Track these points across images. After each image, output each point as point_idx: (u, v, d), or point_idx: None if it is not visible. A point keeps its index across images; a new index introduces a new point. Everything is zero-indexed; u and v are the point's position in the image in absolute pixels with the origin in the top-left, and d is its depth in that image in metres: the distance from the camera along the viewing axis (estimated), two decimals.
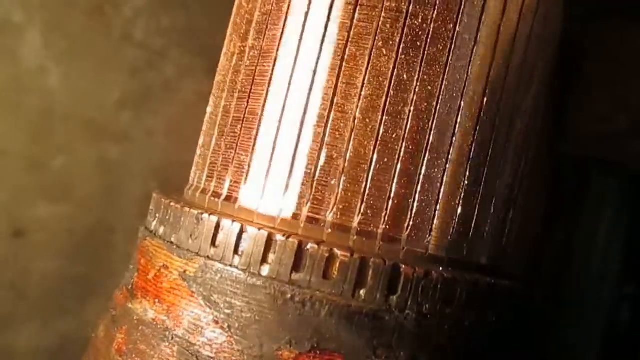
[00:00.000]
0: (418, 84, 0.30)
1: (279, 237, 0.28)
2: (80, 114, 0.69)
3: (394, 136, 0.30)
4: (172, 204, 0.32)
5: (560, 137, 0.55)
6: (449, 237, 0.31)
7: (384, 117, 0.30)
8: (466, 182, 0.31)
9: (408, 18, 0.30)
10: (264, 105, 0.32)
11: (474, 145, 0.31)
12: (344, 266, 0.28)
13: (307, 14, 0.31)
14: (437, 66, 0.30)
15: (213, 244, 0.30)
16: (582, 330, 0.63)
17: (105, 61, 0.71)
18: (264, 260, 0.28)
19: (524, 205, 0.36)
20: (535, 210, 0.54)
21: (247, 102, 0.33)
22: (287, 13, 0.32)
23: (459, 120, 0.30)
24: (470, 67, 0.31)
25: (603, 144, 0.54)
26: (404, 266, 0.28)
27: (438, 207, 0.30)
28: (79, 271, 0.71)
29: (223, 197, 0.32)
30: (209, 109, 0.37)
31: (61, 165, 0.69)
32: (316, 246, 0.28)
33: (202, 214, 0.30)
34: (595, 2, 0.50)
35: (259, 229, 0.29)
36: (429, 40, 0.30)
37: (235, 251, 0.29)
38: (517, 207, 0.35)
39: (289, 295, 0.27)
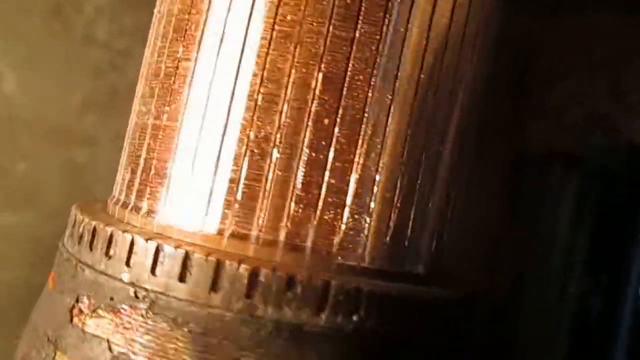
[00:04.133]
0: (345, 93, 0.28)
1: (196, 256, 0.26)
2: (43, 119, 0.67)
3: (321, 145, 0.28)
4: (86, 219, 0.30)
5: (519, 133, 0.54)
6: (382, 249, 0.29)
7: (309, 125, 0.28)
8: (399, 192, 0.29)
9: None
10: (183, 113, 0.30)
11: (405, 152, 0.29)
12: (267, 284, 0.26)
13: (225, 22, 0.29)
14: (365, 73, 0.28)
15: (127, 264, 0.28)
16: (549, 323, 0.62)
17: (66, 63, 0.69)
18: (181, 280, 0.26)
19: (467, 209, 0.35)
20: (489, 210, 0.52)
21: (166, 108, 0.31)
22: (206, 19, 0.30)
23: (389, 127, 0.29)
24: (399, 69, 0.29)
25: (560, 138, 0.53)
26: (333, 281, 0.26)
27: (370, 217, 0.29)
28: (45, 279, 0.69)
29: (142, 211, 0.30)
30: (131, 115, 0.35)
31: (24, 171, 0.67)
32: (236, 264, 0.26)
33: (117, 231, 0.28)
34: None
35: (176, 247, 0.27)
36: (354, 46, 0.28)
37: (152, 272, 0.27)
38: (456, 213, 0.33)
39: (205, 320, 0.25)
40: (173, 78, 0.30)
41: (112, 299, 0.27)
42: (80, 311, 0.28)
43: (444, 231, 0.33)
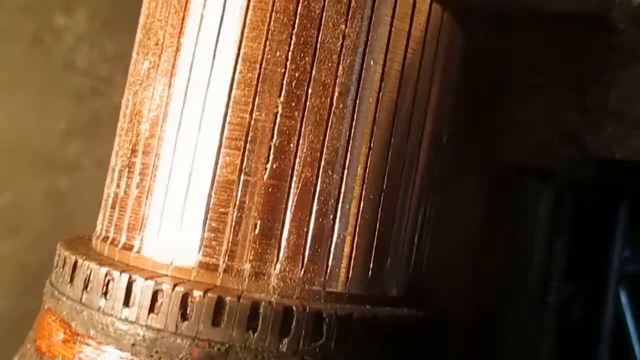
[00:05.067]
0: (305, 115, 0.30)
1: (165, 287, 0.28)
2: (26, 147, 0.68)
3: (282, 178, 0.30)
4: (67, 255, 0.32)
5: (493, 150, 0.55)
6: (348, 273, 0.31)
7: (272, 159, 0.30)
8: (362, 214, 0.31)
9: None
10: (156, 153, 0.31)
11: (367, 174, 0.31)
12: (233, 311, 0.27)
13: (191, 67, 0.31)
14: (324, 95, 0.30)
15: (104, 295, 0.29)
16: (532, 331, 0.64)
17: (48, 91, 0.70)
18: (151, 310, 0.28)
19: (433, 228, 0.36)
20: (468, 228, 0.54)
21: (141, 150, 0.32)
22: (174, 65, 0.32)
23: (350, 148, 0.30)
24: (357, 98, 0.31)
25: (533, 154, 0.55)
26: (294, 307, 0.28)
27: (333, 242, 0.30)
28: (33, 306, 0.69)
29: (121, 245, 0.32)
30: (113, 149, 0.37)
31: (9, 200, 0.68)
32: (201, 293, 0.27)
33: (94, 265, 0.30)
34: (518, 13, 0.51)
35: (147, 278, 0.28)
36: (315, 64, 0.30)
37: (126, 303, 0.29)
38: (426, 229, 0.35)
39: (176, 349, 0.27)
40: (145, 125, 0.32)
41: (90, 328, 0.29)
42: (64, 338, 0.29)
43: (413, 253, 0.34)
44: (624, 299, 0.77)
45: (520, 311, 0.61)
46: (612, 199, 0.70)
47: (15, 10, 0.67)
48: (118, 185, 0.34)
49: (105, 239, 0.34)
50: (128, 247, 0.32)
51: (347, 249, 0.31)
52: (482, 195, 0.57)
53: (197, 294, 0.28)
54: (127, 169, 0.33)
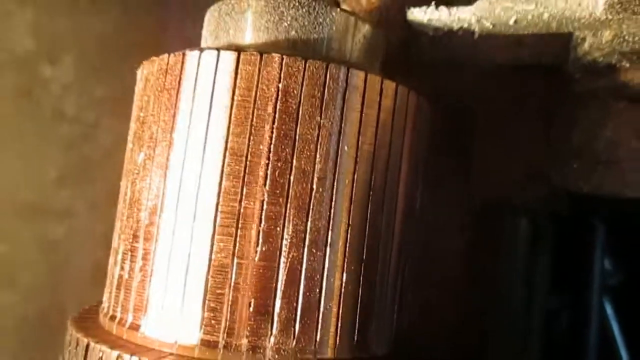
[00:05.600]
0: (289, 201, 0.33)
1: None
2: (18, 198, 0.70)
3: (271, 259, 0.33)
4: (79, 338, 0.35)
5: (470, 188, 0.59)
6: (336, 340, 0.34)
7: (261, 242, 0.33)
8: (345, 285, 0.34)
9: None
10: (156, 240, 0.35)
11: (348, 249, 0.35)
12: None
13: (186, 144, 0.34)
14: (305, 181, 0.34)
15: None
16: (517, 354, 0.67)
17: (38, 141, 0.72)
18: None
19: (412, 288, 0.40)
20: (448, 264, 0.57)
21: (142, 237, 0.36)
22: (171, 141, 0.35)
23: (331, 227, 0.34)
24: (335, 181, 0.34)
25: (505, 192, 0.58)
26: None
27: (320, 314, 0.34)
28: (35, 356, 0.71)
29: (128, 324, 0.35)
30: (114, 229, 0.40)
31: (3, 253, 0.69)
32: None
33: (105, 348, 0.33)
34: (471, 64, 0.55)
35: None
36: (295, 153, 0.34)
37: None
38: (404, 293, 0.39)
39: None
40: (144, 213, 0.35)
41: None
42: None
43: (399, 315, 0.38)
44: (609, 310, 0.81)
45: (507, 330, 0.65)
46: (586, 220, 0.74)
47: (3, 66, 0.70)
48: (122, 268, 0.37)
49: (113, 318, 0.37)
50: (135, 327, 0.35)
51: (333, 318, 0.34)
52: (462, 230, 0.61)
53: None
54: (130, 253, 0.37)
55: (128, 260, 0.37)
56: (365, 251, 0.36)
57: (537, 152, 0.57)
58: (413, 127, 0.39)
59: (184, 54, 0.36)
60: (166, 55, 0.37)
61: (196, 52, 0.35)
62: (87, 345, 0.34)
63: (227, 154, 0.34)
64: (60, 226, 0.74)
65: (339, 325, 0.35)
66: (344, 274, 0.35)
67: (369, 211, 0.36)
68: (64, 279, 0.75)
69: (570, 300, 0.79)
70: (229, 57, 0.35)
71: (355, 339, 0.35)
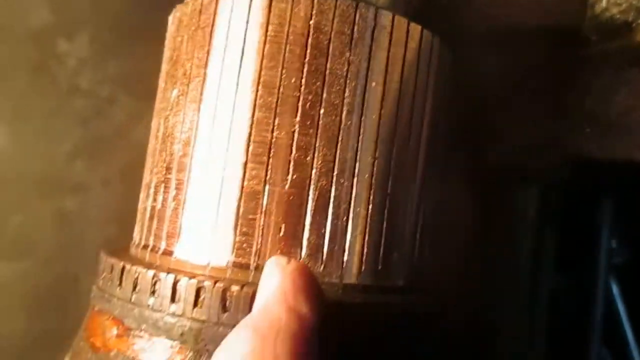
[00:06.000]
0: (319, 132, 0.35)
1: (206, 284, 0.33)
2: (33, 170, 0.71)
3: (301, 187, 0.35)
4: (114, 262, 0.36)
5: (479, 155, 0.60)
6: (361, 266, 0.36)
7: (292, 171, 0.35)
8: (370, 215, 0.36)
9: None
10: (190, 170, 0.36)
11: (374, 180, 0.36)
12: None
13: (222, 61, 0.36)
14: (334, 113, 0.35)
15: (152, 294, 0.34)
16: (525, 323, 0.68)
17: (53, 115, 0.73)
18: (195, 305, 0.33)
19: (432, 225, 0.41)
20: (460, 225, 0.59)
21: (175, 168, 0.37)
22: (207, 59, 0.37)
23: (358, 158, 0.36)
24: (362, 115, 0.36)
25: (516, 158, 0.60)
26: None
27: (347, 240, 0.35)
28: (47, 326, 0.72)
29: (161, 251, 0.37)
30: (145, 171, 0.42)
31: (18, 224, 0.71)
32: (239, 288, 0.32)
33: (141, 269, 0.35)
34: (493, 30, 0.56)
35: (190, 277, 0.33)
36: (325, 87, 0.35)
37: (172, 299, 0.33)
38: (425, 228, 0.40)
39: (219, 336, 0.31)
40: (177, 146, 0.37)
41: (142, 323, 0.33)
42: (118, 333, 0.34)
43: (416, 247, 0.39)
44: (615, 289, 0.83)
45: (513, 304, 0.66)
46: (596, 195, 0.76)
47: (20, 40, 0.71)
48: (155, 200, 0.38)
49: (146, 247, 0.38)
50: (168, 253, 0.36)
51: (359, 246, 0.36)
52: (472, 197, 0.62)
53: (234, 288, 0.32)
54: (163, 185, 0.38)
55: (161, 191, 0.38)
56: (390, 184, 0.37)
57: (551, 120, 0.59)
58: (437, 71, 0.40)
59: None
60: None
61: None
62: (123, 268, 0.36)
63: (260, 86, 0.35)
64: (73, 200, 0.75)
65: (364, 252, 0.36)
66: (370, 205, 0.36)
67: (394, 146, 0.37)
68: (76, 252, 0.76)
69: (577, 278, 0.81)
70: None
71: (379, 267, 0.37)
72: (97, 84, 0.76)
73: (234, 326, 0.30)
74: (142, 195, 0.41)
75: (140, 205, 0.41)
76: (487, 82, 0.61)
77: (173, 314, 0.33)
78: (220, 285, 0.32)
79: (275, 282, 0.30)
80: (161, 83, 0.41)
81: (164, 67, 0.41)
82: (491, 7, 0.57)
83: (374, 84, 0.36)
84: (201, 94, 0.37)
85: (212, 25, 0.37)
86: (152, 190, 0.39)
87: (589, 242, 0.80)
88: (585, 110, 0.56)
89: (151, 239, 0.38)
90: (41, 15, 0.72)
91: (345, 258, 0.35)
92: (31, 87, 0.71)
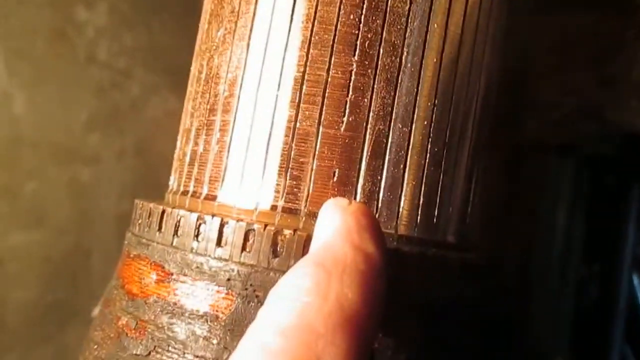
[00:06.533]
0: (377, 73, 0.33)
1: (256, 227, 0.30)
2: (49, 139, 0.70)
3: (357, 130, 0.33)
4: (153, 207, 0.34)
5: (517, 125, 0.58)
6: (417, 218, 0.33)
7: (347, 113, 0.32)
8: (428, 165, 0.34)
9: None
10: (236, 110, 0.34)
11: (432, 129, 0.34)
12: None
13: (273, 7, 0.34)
14: (394, 54, 0.33)
15: (196, 238, 0.31)
16: (549, 311, 0.66)
17: (70, 84, 0.72)
18: (243, 249, 0.30)
19: (482, 184, 0.39)
20: (492, 188, 0.57)
21: (220, 109, 0.35)
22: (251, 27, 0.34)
23: (417, 111, 0.33)
24: (423, 58, 0.33)
25: (554, 130, 0.58)
26: None
27: (403, 189, 0.33)
28: (57, 297, 0.71)
29: (203, 196, 0.34)
30: (182, 117, 0.39)
31: (32, 191, 0.69)
32: (291, 232, 0.30)
33: (184, 212, 0.32)
34: None
35: (238, 220, 0.31)
36: (385, 26, 0.33)
37: (218, 243, 0.31)
38: (476, 186, 0.38)
39: (270, 282, 0.29)
40: (223, 86, 0.35)
41: (184, 267, 0.31)
42: (157, 279, 0.31)
43: (468, 205, 0.37)
44: (636, 281, 0.81)
45: (542, 285, 0.64)
46: (627, 180, 0.73)
47: (39, 5, 0.69)
48: (196, 143, 0.36)
49: (185, 192, 0.36)
50: (211, 198, 0.34)
51: (415, 197, 0.34)
52: (505, 170, 0.60)
53: (287, 232, 0.30)
54: (205, 128, 0.36)
55: (203, 134, 0.36)
56: (447, 134, 0.35)
57: (594, 91, 0.57)
58: (496, 18, 0.38)
59: None
60: None
61: None
62: (163, 212, 0.33)
63: (316, 22, 0.33)
64: (87, 171, 0.74)
65: (420, 204, 0.34)
66: (427, 154, 0.34)
67: (453, 93, 0.35)
68: (89, 223, 0.75)
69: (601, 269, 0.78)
70: None
71: (434, 221, 0.34)
72: (114, 56, 0.74)
73: (285, 272, 0.28)
74: (179, 142, 0.39)
75: (177, 152, 0.39)
76: (529, 49, 0.59)
77: (219, 258, 0.31)
78: (271, 228, 0.30)
79: (337, 221, 0.27)
80: (203, 24, 0.39)
81: (208, 6, 0.39)
82: None
83: (435, 25, 0.34)
84: (251, 30, 0.35)
85: None
86: (192, 134, 0.37)
87: (615, 232, 0.78)
88: (632, 81, 0.54)
89: (191, 184, 0.36)
90: None
91: (401, 208, 0.33)
92: (49, 54, 0.69)
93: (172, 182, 0.38)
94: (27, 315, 0.69)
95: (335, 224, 0.27)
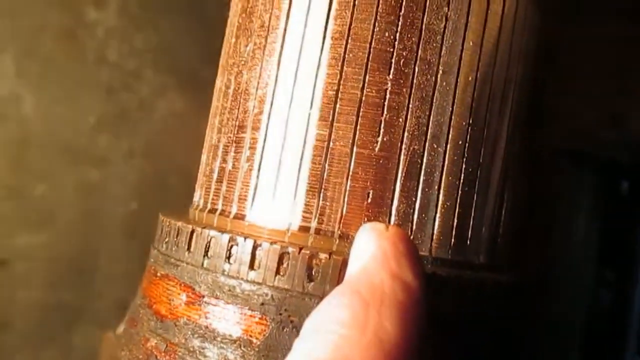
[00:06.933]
0: (412, 92, 0.32)
1: (290, 250, 0.30)
2: (57, 140, 0.69)
3: (391, 150, 0.32)
4: (181, 225, 0.33)
5: (536, 131, 0.58)
6: (451, 239, 0.33)
7: (382, 132, 0.32)
8: (462, 185, 0.33)
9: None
10: (267, 128, 0.33)
11: (466, 148, 0.33)
12: None
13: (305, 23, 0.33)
14: (430, 73, 0.32)
15: (228, 260, 0.31)
16: (565, 316, 0.66)
17: (80, 84, 0.71)
18: (277, 273, 0.30)
19: (512, 201, 0.39)
20: (520, 204, 0.56)
21: (250, 126, 0.34)
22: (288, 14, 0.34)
23: (452, 123, 0.33)
24: (458, 76, 0.33)
25: (574, 137, 0.57)
26: None
27: (438, 211, 0.32)
28: (64, 298, 0.71)
29: (232, 215, 0.34)
30: (208, 132, 0.39)
31: (41, 192, 0.69)
32: (327, 256, 0.29)
33: (215, 232, 0.32)
34: (565, 4, 0.53)
35: (272, 242, 0.30)
36: (420, 44, 0.32)
37: (251, 266, 0.30)
38: (507, 204, 0.37)
39: (305, 307, 0.29)
40: (252, 102, 0.34)
41: (216, 290, 0.30)
42: (187, 300, 0.31)
43: (499, 223, 0.36)
44: None
45: (558, 291, 0.64)
46: None
47: (49, 4, 0.69)
48: (224, 160, 0.35)
49: (213, 210, 0.35)
50: (240, 217, 0.34)
51: (450, 218, 0.33)
52: (527, 179, 0.59)
53: (322, 256, 0.29)
54: (234, 145, 0.35)
55: (232, 151, 0.35)
56: (482, 154, 0.34)
57: (615, 98, 0.56)
58: (531, 34, 0.37)
59: None
60: None
61: None
62: (192, 232, 0.33)
63: (350, 39, 0.33)
64: (96, 172, 0.73)
65: (454, 226, 0.33)
66: (462, 174, 0.33)
67: (487, 112, 0.34)
68: (97, 225, 0.74)
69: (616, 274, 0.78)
70: None
71: (468, 242, 0.34)
72: (123, 57, 0.73)
73: (321, 298, 0.27)
74: (205, 157, 0.38)
75: (204, 168, 0.38)
76: (548, 57, 0.58)
77: (252, 282, 0.30)
78: (306, 252, 0.30)
79: (374, 246, 0.26)
80: (230, 38, 0.38)
81: (235, 20, 0.38)
82: None
83: (471, 43, 0.33)
84: (282, 46, 0.34)
85: None
86: (220, 151, 0.36)
87: (630, 238, 0.78)
88: None
89: (220, 202, 0.35)
90: None
91: (435, 230, 0.33)
92: (58, 54, 0.69)
93: (198, 198, 0.38)
94: (34, 316, 0.68)
95: (371, 250, 0.26)
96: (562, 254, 0.62)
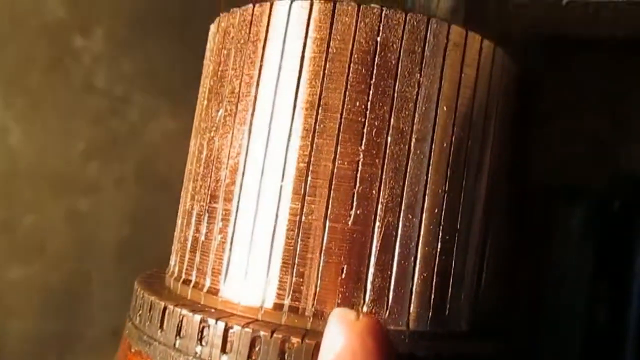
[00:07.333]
0: (385, 163, 0.31)
1: (262, 334, 0.29)
2: (46, 170, 0.69)
3: (365, 224, 0.31)
4: (154, 301, 0.33)
5: (523, 169, 0.57)
6: (429, 311, 0.32)
7: (355, 205, 0.31)
8: (439, 254, 0.32)
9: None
10: (239, 199, 0.33)
11: (443, 217, 0.33)
12: None
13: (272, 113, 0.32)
14: (403, 142, 0.32)
15: (200, 342, 0.30)
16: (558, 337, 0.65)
17: (67, 113, 0.70)
18: (249, 357, 0.29)
19: (494, 261, 0.38)
20: (503, 261, 0.56)
21: (222, 197, 0.33)
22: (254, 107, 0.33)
23: (427, 192, 0.32)
24: (432, 143, 0.32)
25: (563, 171, 0.56)
26: None
27: (414, 283, 0.32)
28: (57, 327, 0.70)
29: (205, 289, 0.33)
30: (183, 194, 0.38)
31: (31, 224, 0.68)
32: (299, 340, 0.29)
33: (186, 312, 0.31)
34: (549, 38, 0.53)
35: (243, 326, 0.30)
36: (393, 112, 0.31)
37: (223, 350, 0.30)
38: (488, 265, 0.36)
39: None
40: (224, 172, 0.33)
41: None
42: None
43: (480, 287, 0.36)
44: None
45: (553, 322, 0.63)
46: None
47: (34, 34, 0.68)
48: (197, 230, 0.35)
49: (187, 282, 0.35)
50: (213, 292, 0.33)
51: (427, 290, 0.32)
52: (512, 213, 0.58)
53: (294, 340, 0.29)
54: (207, 214, 0.34)
55: (204, 221, 0.34)
56: (459, 221, 0.34)
57: (604, 129, 0.55)
58: (506, 92, 0.37)
59: (271, 4, 0.34)
60: (250, 6, 0.35)
61: (286, 2, 0.33)
62: (164, 309, 0.32)
63: (321, 110, 0.32)
64: (86, 200, 0.73)
65: (432, 296, 0.32)
66: (439, 244, 0.33)
67: (464, 178, 0.34)
68: (89, 252, 0.74)
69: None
70: (322, 7, 0.32)
71: (447, 312, 0.33)
72: (111, 83, 0.73)
73: None
74: (180, 222, 0.38)
75: (178, 233, 0.37)
76: (536, 88, 0.57)
77: None
78: (278, 336, 0.29)
79: (342, 342, 0.26)
80: (202, 100, 0.38)
81: (206, 82, 0.37)
82: (540, 15, 0.53)
83: (445, 108, 0.33)
84: (252, 115, 0.33)
85: (265, 40, 0.33)
86: (194, 219, 0.35)
87: (625, 254, 0.77)
88: None
89: (193, 273, 0.34)
90: (56, 10, 0.69)
91: (413, 303, 0.32)
92: (45, 84, 0.68)
93: (173, 264, 0.37)
94: (26, 347, 0.68)
95: (340, 344, 0.26)
96: (552, 290, 0.61)
